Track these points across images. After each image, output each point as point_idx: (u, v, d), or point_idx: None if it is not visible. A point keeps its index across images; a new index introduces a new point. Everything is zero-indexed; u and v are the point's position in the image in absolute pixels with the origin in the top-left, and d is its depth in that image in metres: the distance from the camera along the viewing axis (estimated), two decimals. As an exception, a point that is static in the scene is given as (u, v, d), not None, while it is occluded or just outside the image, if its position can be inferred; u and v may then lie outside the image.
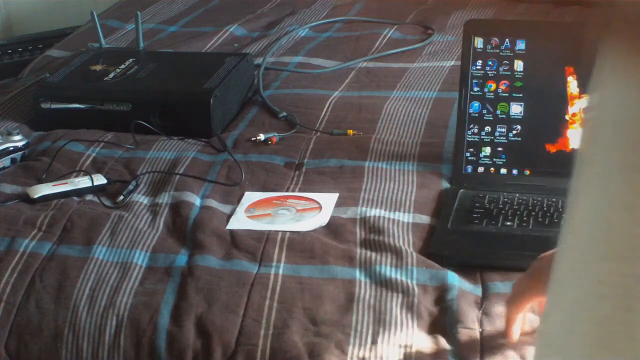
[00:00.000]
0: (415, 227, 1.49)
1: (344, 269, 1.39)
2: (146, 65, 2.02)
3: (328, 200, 1.57)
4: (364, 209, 1.54)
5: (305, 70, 2.17)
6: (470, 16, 2.50)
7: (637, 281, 0.63)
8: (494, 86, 1.65)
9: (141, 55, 2.10)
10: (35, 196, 1.61)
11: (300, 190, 1.63)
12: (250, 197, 1.60)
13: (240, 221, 1.53)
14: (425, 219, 1.52)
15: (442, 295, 1.33)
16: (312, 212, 1.55)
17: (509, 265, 1.40)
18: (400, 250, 1.42)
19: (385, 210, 1.54)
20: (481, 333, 1.27)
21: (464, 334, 1.26)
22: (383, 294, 1.33)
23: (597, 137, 0.68)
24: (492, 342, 1.26)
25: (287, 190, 1.63)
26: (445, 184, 1.63)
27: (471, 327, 1.27)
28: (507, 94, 1.64)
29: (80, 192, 1.64)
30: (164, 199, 1.60)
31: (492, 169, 1.64)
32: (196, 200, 1.59)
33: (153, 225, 1.53)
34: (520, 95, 1.64)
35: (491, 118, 1.65)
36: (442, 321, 1.29)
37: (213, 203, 1.58)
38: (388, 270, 1.38)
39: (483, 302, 1.32)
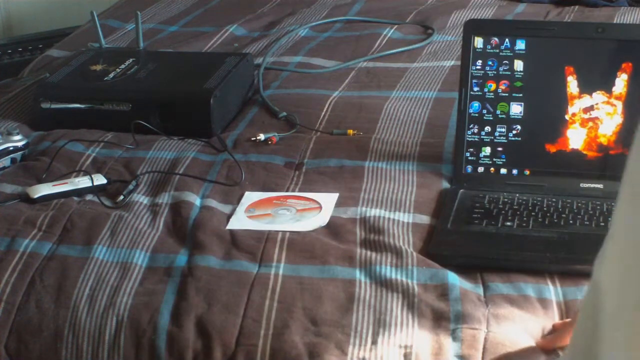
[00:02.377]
0: (415, 227, 1.49)
1: (344, 269, 1.39)
2: (146, 65, 2.02)
3: (328, 200, 1.57)
4: (364, 209, 1.54)
5: (305, 70, 2.17)
6: (470, 16, 2.50)
7: None
8: (494, 86, 1.65)
9: (141, 55, 2.10)
10: (35, 196, 1.61)
11: (300, 190, 1.63)
12: (250, 197, 1.60)
13: (240, 221, 1.53)
14: (425, 219, 1.52)
15: (443, 295, 1.33)
16: (312, 212, 1.55)
17: (509, 265, 1.40)
18: (400, 250, 1.42)
19: (385, 210, 1.54)
20: (485, 333, 1.27)
21: (467, 333, 1.26)
22: (383, 294, 1.33)
23: None
24: (495, 342, 1.26)
25: (287, 190, 1.63)
26: (445, 184, 1.63)
27: (474, 326, 1.27)
28: (507, 94, 1.64)
29: (80, 192, 1.64)
30: (164, 199, 1.60)
31: (492, 169, 1.64)
32: (196, 200, 1.59)
33: (153, 225, 1.53)
34: (520, 95, 1.64)
35: (491, 118, 1.65)
36: (444, 321, 1.29)
37: (213, 203, 1.58)
38: (388, 270, 1.38)
39: (485, 302, 1.32)
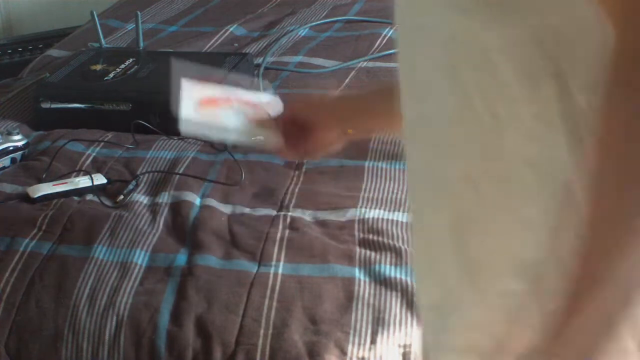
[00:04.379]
0: (415, 227, 1.49)
1: (344, 267, 1.39)
2: (146, 65, 2.02)
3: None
4: (363, 209, 1.54)
5: (305, 70, 2.17)
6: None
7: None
8: (493, 86, 1.64)
9: (141, 55, 2.10)
10: (35, 196, 1.61)
11: (300, 190, 1.63)
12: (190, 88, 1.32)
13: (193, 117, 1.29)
14: (425, 219, 1.52)
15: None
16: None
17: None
18: (399, 249, 1.42)
19: (384, 210, 1.54)
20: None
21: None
22: (382, 293, 1.33)
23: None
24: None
25: (287, 190, 1.63)
26: (445, 184, 1.62)
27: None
28: (506, 94, 1.64)
29: (80, 192, 1.64)
30: (164, 198, 1.60)
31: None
32: (196, 200, 1.59)
33: (153, 225, 1.53)
34: (520, 94, 1.64)
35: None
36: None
37: (213, 202, 1.58)
38: (387, 269, 1.38)
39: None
